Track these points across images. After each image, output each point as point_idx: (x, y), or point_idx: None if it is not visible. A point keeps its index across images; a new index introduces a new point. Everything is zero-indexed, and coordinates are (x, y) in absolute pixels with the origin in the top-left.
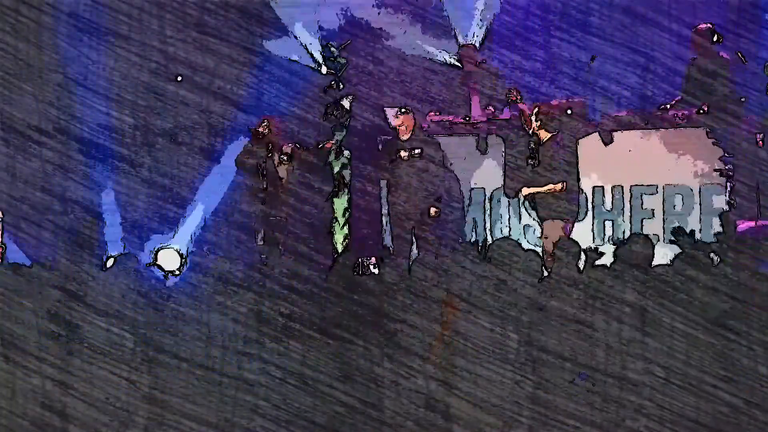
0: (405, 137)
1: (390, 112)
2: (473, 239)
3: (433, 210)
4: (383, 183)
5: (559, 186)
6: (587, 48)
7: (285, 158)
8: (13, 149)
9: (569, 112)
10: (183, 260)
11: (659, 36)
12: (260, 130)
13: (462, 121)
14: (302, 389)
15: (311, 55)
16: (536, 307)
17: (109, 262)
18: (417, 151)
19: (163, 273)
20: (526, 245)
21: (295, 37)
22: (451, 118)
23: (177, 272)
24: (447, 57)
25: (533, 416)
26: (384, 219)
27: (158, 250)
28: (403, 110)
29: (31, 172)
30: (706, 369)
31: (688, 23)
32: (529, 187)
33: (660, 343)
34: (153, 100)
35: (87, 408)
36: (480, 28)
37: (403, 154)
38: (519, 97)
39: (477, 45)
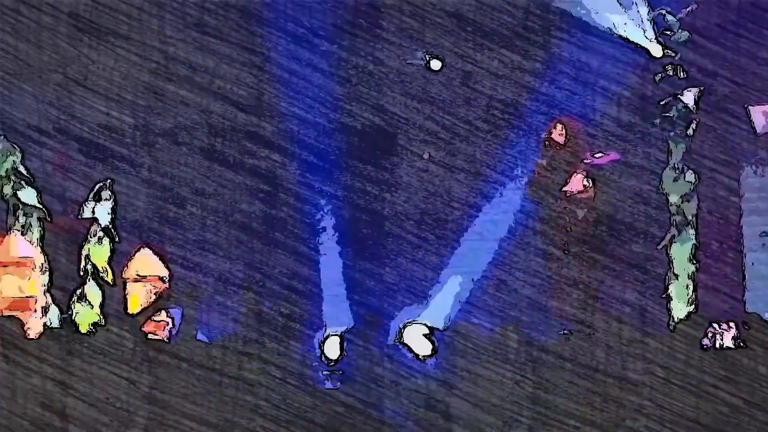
0: None
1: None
2: None
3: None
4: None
5: None
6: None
7: (589, 183)
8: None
9: None
10: (433, 344)
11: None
12: (554, 137)
13: None
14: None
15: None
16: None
17: (331, 345)
18: None
19: (413, 354)
20: None
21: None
22: None
23: (430, 355)
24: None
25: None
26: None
27: (405, 326)
28: None
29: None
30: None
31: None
32: None
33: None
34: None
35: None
36: None
37: None
38: None
39: None
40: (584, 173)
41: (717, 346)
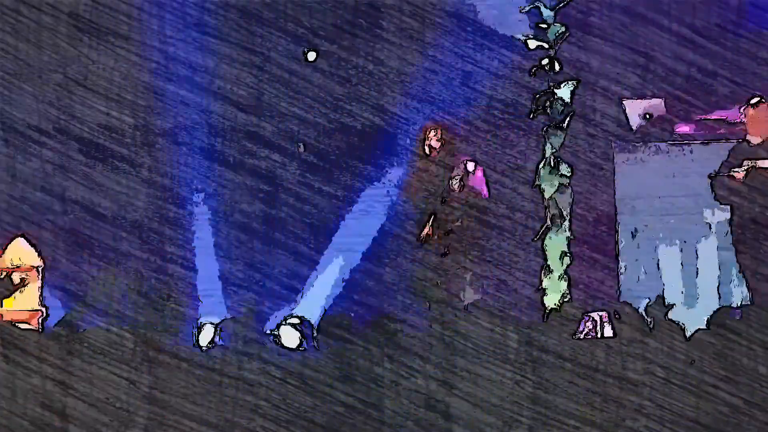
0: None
1: None
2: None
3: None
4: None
5: None
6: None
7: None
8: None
9: None
10: (303, 337)
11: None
12: (429, 143)
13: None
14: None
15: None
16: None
17: (206, 335)
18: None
19: (284, 347)
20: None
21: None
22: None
23: (300, 348)
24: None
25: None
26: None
27: (285, 321)
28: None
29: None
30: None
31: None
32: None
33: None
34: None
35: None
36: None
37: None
38: None
39: None
40: (463, 172)
41: (592, 336)
